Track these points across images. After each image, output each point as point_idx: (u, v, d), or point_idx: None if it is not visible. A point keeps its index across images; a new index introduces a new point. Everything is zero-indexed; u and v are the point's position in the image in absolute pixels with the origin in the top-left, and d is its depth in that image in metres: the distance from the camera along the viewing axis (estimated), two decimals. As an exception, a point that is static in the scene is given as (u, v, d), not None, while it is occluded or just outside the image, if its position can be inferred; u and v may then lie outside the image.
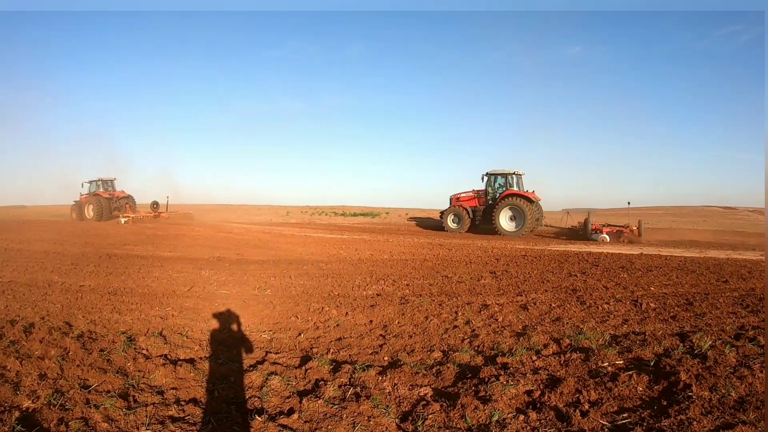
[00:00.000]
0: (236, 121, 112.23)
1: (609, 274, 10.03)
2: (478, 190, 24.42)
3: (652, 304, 7.00)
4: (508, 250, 15.24)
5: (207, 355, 5.21)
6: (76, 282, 9.30)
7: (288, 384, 4.40)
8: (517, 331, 5.91)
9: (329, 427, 3.60)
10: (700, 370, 4.14)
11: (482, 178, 23.79)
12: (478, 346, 5.38)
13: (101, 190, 31.25)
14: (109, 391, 4.13)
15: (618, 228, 19.86)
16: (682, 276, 9.73)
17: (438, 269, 11.06)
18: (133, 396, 4.07)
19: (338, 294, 8.36)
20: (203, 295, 8.16)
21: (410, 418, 3.68)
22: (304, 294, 8.37)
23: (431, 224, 26.64)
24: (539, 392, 3.99)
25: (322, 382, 4.39)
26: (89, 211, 30.58)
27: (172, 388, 4.29)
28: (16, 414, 3.57)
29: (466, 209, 24.01)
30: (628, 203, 21.44)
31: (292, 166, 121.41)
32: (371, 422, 3.65)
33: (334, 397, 4.08)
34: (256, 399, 4.10)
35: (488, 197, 23.76)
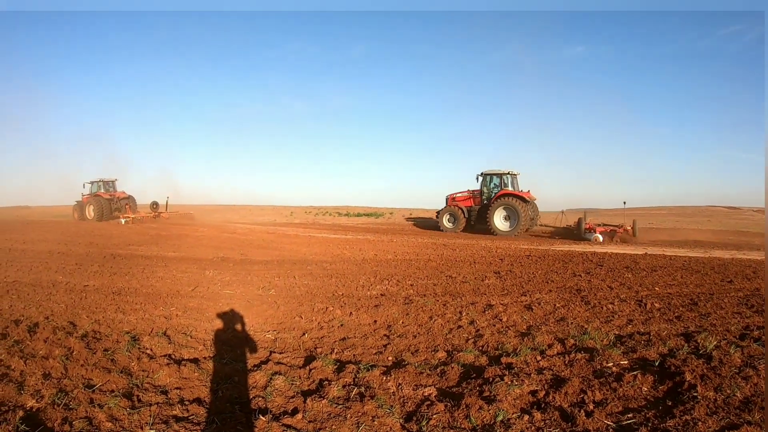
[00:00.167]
0: (239, 121, 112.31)
1: (613, 274, 10.00)
2: (473, 190, 24.53)
3: (656, 304, 6.98)
4: (512, 250, 15.22)
5: (211, 355, 5.21)
6: (81, 282, 9.32)
7: (292, 384, 4.40)
8: (521, 331, 5.89)
9: (333, 427, 3.59)
10: (705, 371, 4.12)
11: (477, 178, 23.85)
12: (483, 346, 5.37)
13: (102, 190, 31.47)
14: (113, 391, 4.14)
15: (612, 228, 19.83)
16: (686, 276, 9.69)
17: (442, 269, 11.05)
18: (137, 395, 4.08)
19: (342, 294, 8.36)
20: (207, 295, 8.17)
21: (414, 418, 3.68)
22: (308, 294, 8.37)
23: (430, 224, 26.64)
24: (544, 392, 3.98)
25: (327, 382, 4.39)
26: (90, 212, 30.86)
27: (176, 388, 4.29)
28: (21, 413, 3.58)
29: (461, 209, 24.11)
30: (624, 203, 21.53)
31: (295, 166, 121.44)
32: (375, 422, 3.65)
33: (339, 397, 4.07)
34: (260, 399, 4.10)
35: (484, 197, 23.86)
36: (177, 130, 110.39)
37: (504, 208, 22.23)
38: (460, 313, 6.80)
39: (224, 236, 19.80)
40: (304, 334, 6.13)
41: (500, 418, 3.57)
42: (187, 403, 4.00)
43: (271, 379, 4.48)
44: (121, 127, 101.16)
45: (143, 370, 4.64)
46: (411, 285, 9.09)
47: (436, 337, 5.82)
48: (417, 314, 6.79)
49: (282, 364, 4.97)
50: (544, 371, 4.46)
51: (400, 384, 4.30)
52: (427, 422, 3.58)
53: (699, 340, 5.01)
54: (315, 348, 5.56)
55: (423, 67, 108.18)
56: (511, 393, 3.94)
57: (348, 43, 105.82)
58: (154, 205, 30.95)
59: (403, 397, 4.08)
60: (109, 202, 30.76)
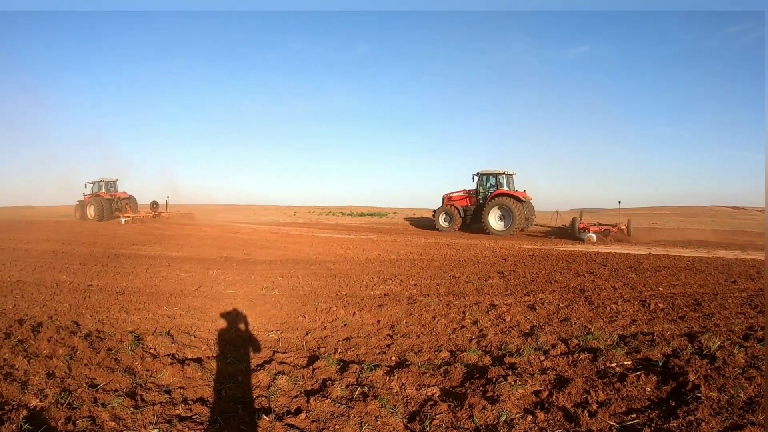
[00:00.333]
0: (242, 121, 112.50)
1: (617, 274, 9.98)
2: (469, 190, 24.66)
3: (660, 305, 6.96)
4: (515, 250, 15.20)
5: (214, 355, 5.22)
6: (84, 281, 9.35)
7: (295, 383, 4.40)
8: (524, 331, 5.89)
9: (337, 426, 3.60)
10: (708, 371, 4.11)
11: (473, 178, 24.06)
12: (486, 346, 5.37)
13: (103, 190, 31.71)
14: (116, 390, 4.15)
15: (605, 227, 19.81)
16: (690, 276, 9.66)
17: (445, 269, 11.04)
18: (141, 395, 4.08)
19: (346, 294, 8.36)
20: (211, 295, 8.18)
21: (418, 418, 3.68)
22: (312, 294, 8.37)
23: (429, 224, 26.70)
24: (547, 392, 3.97)
25: (330, 382, 4.39)
26: (90, 212, 31.11)
27: (180, 388, 4.30)
28: (24, 412, 3.59)
29: (457, 208, 24.24)
30: (619, 202, 21.57)
31: (298, 166, 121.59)
32: (379, 422, 3.65)
33: (342, 397, 4.08)
34: (263, 398, 4.11)
35: (479, 197, 23.97)
36: (179, 130, 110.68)
37: (499, 208, 22.33)
38: (464, 313, 6.79)
39: (228, 236, 19.83)
40: (307, 333, 6.13)
41: (503, 418, 3.56)
42: (190, 402, 4.01)
43: (274, 378, 4.49)
44: (123, 127, 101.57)
45: (147, 370, 4.65)
46: (414, 285, 9.09)
47: (440, 337, 5.81)
48: (420, 314, 6.79)
49: (285, 363, 4.98)
50: (548, 371, 4.45)
51: (403, 384, 4.30)
52: (430, 422, 3.58)
53: (703, 341, 5.00)
54: (318, 348, 5.56)
55: (426, 67, 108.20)
56: (515, 393, 3.93)
57: (351, 43, 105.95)
58: (154, 205, 31.29)
59: (407, 397, 4.08)
60: (109, 202, 30.99)
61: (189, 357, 5.11)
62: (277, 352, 5.40)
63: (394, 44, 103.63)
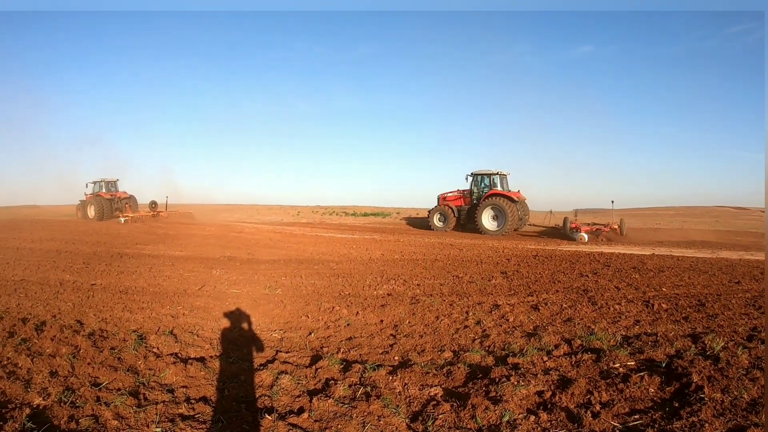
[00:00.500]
0: (244, 121, 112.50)
1: (620, 274, 9.95)
2: (463, 190, 24.89)
3: (663, 305, 6.94)
4: (519, 251, 15.17)
5: (217, 354, 5.23)
6: (88, 281, 9.38)
7: (298, 383, 4.41)
8: (528, 332, 5.88)
9: (339, 426, 3.60)
10: (712, 372, 4.10)
11: (466, 179, 24.23)
12: (489, 347, 5.36)
13: (104, 190, 32.02)
14: (119, 389, 4.16)
15: (597, 227, 19.82)
16: (694, 277, 9.63)
17: (449, 269, 11.03)
18: (144, 394, 4.10)
19: (349, 293, 8.36)
20: (214, 294, 8.19)
21: (420, 418, 3.68)
22: (315, 293, 8.38)
23: (425, 224, 26.77)
24: (550, 393, 3.97)
25: (333, 382, 4.39)
26: (91, 211, 31.43)
27: (183, 387, 4.31)
28: (27, 411, 3.61)
29: (451, 208, 24.50)
30: (612, 202, 21.73)
31: (302, 166, 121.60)
32: (381, 422, 3.65)
33: (345, 397, 4.08)
34: (266, 398, 4.11)
35: (473, 197, 24.16)
36: (181, 130, 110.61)
37: (492, 208, 22.52)
38: (467, 313, 6.79)
39: (231, 235, 19.85)
40: (310, 333, 6.14)
41: (506, 418, 3.56)
42: (193, 401, 4.02)
43: (277, 378, 4.49)
44: (125, 127, 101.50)
45: (150, 369, 4.66)
46: (417, 285, 9.09)
47: (443, 337, 5.81)
48: (423, 314, 6.79)
49: (288, 363, 4.98)
50: (551, 372, 4.44)
51: (406, 384, 4.29)
52: (433, 422, 3.58)
53: (706, 342, 4.98)
54: (321, 347, 5.57)
55: (428, 67, 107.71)
56: (518, 393, 3.93)
57: (353, 43, 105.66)
58: (153, 205, 31.61)
59: (409, 396, 4.08)
60: (110, 202, 31.29)
61: (192, 356, 5.12)
62: (280, 351, 5.41)
63: (396, 44, 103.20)
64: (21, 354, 4.80)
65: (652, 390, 3.96)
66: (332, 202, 57.05)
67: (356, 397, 4.06)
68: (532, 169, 76.81)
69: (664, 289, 8.36)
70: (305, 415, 3.76)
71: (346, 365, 4.80)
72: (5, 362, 4.63)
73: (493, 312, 6.80)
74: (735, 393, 3.69)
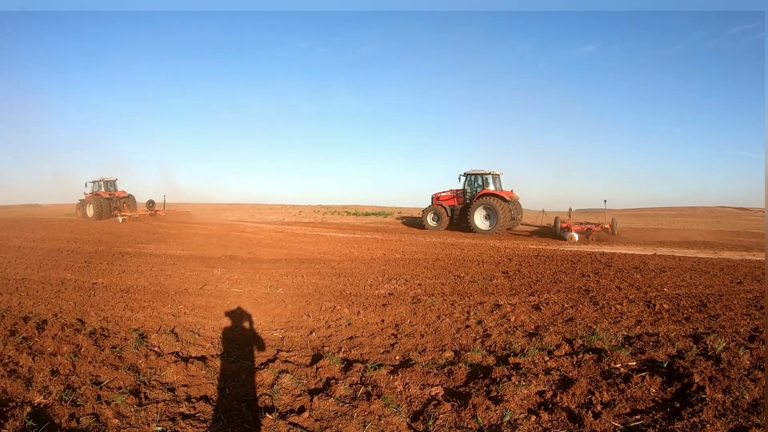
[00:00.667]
0: (246, 121, 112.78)
1: (622, 274, 9.94)
2: (456, 190, 25.19)
3: (665, 305, 6.92)
4: (520, 250, 15.16)
5: (218, 353, 5.23)
6: (89, 279, 9.39)
7: (299, 382, 4.41)
8: (529, 332, 5.87)
9: (340, 425, 3.59)
10: (713, 372, 4.09)
11: (459, 178, 24.50)
12: (490, 346, 5.36)
13: (103, 190, 32.35)
14: (120, 388, 4.16)
15: (588, 226, 19.86)
16: (695, 277, 9.61)
17: (450, 269, 11.03)
18: (145, 393, 4.10)
19: (350, 293, 8.36)
20: (215, 294, 8.20)
21: (421, 418, 3.67)
22: (316, 293, 8.38)
23: (420, 223, 26.88)
24: (551, 393, 3.96)
25: (334, 381, 4.39)
26: (89, 210, 31.78)
27: (184, 386, 4.31)
28: (28, 409, 3.61)
29: (445, 208, 24.85)
30: (605, 201, 22.08)
31: (303, 165, 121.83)
32: (382, 421, 3.65)
33: (345, 396, 4.08)
34: (267, 397, 4.11)
35: (466, 196, 24.42)
36: (184, 129, 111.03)
37: (484, 207, 22.78)
38: (468, 312, 6.78)
39: (233, 235, 19.87)
40: (311, 332, 6.13)
41: (507, 418, 3.55)
42: (194, 400, 4.02)
43: (278, 377, 4.49)
44: (127, 127, 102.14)
45: (151, 368, 4.66)
46: (419, 284, 9.08)
47: (444, 337, 5.81)
48: (425, 314, 6.78)
49: (289, 362, 4.98)
50: (552, 372, 4.44)
51: (407, 383, 4.29)
52: (434, 422, 3.57)
53: (708, 342, 4.97)
54: (322, 347, 5.56)
55: (430, 67, 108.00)
56: (519, 393, 3.92)
57: (355, 43, 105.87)
58: (150, 204, 31.97)
59: (410, 396, 4.07)
60: (108, 201, 31.60)
61: (193, 355, 5.12)
62: (281, 350, 5.40)
63: (398, 44, 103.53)
64: (22, 352, 4.81)
65: (654, 390, 3.95)
66: (334, 202, 57.23)
67: (357, 397, 4.05)
68: (533, 169, 76.93)
69: (665, 290, 8.35)
70: (306, 414, 3.76)
71: (347, 364, 4.80)
72: (6, 361, 4.64)
73: (494, 312, 6.79)
74: (736, 394, 3.68)
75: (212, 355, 5.13)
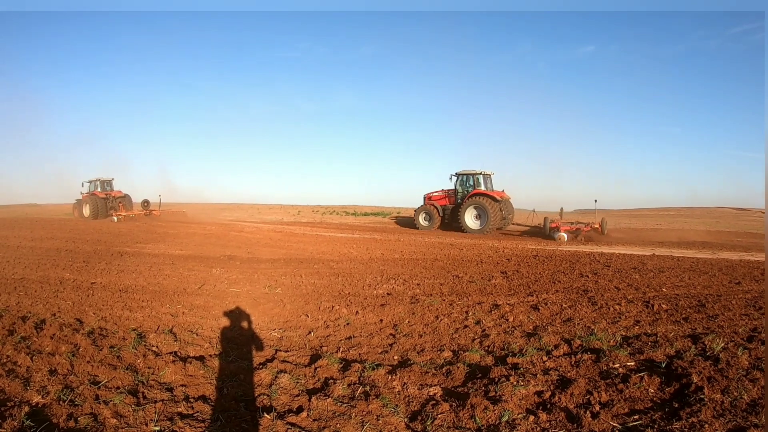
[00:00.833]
0: (246, 120, 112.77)
1: (620, 275, 9.94)
2: (448, 190, 25.39)
3: (664, 306, 6.92)
4: (519, 250, 15.17)
5: (217, 353, 5.22)
6: (88, 279, 9.38)
7: (297, 382, 4.40)
8: (527, 332, 5.87)
9: (338, 425, 3.59)
10: (712, 373, 4.09)
11: (450, 178, 24.71)
12: (489, 346, 5.36)
13: (99, 189, 32.66)
14: (118, 388, 4.16)
15: (577, 226, 19.90)
16: (694, 277, 9.61)
17: (449, 269, 11.03)
18: (143, 392, 4.09)
19: (349, 293, 8.36)
20: (214, 293, 8.19)
21: (419, 418, 3.67)
22: (315, 293, 8.37)
23: (412, 223, 26.97)
24: (549, 393, 3.96)
25: (332, 381, 4.39)
26: (86, 210, 32.05)
27: (182, 385, 4.30)
28: (26, 409, 3.60)
29: (436, 208, 25.05)
30: (595, 201, 22.41)
31: (303, 165, 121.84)
32: (380, 421, 3.64)
33: (344, 396, 4.07)
34: (265, 397, 4.11)
35: (458, 196, 24.61)
36: (184, 129, 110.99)
37: (474, 207, 22.99)
38: (467, 312, 6.78)
39: (232, 234, 19.87)
40: (310, 332, 6.13)
41: (505, 418, 3.55)
42: (192, 400, 4.01)
43: (276, 377, 4.49)
44: (127, 127, 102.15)
45: (149, 367, 4.65)
46: (417, 284, 9.08)
47: (442, 337, 5.80)
48: (423, 314, 6.78)
49: (287, 362, 4.98)
50: (550, 372, 4.44)
51: (405, 383, 4.29)
52: (432, 422, 3.57)
53: (706, 342, 4.97)
54: (321, 346, 5.56)
55: (430, 67, 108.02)
56: (517, 393, 3.92)
57: (355, 43, 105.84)
58: (145, 203, 32.46)
59: (408, 396, 4.07)
60: (104, 201, 31.87)
61: (191, 355, 5.12)
62: (280, 350, 5.40)
63: (398, 44, 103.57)
64: (20, 352, 4.80)
65: (652, 390, 3.95)
66: (333, 202, 57.24)
67: (355, 397, 4.05)
68: (533, 169, 77.03)
69: (664, 290, 8.35)
70: (304, 414, 3.75)
71: (346, 364, 4.79)
72: (5, 360, 4.62)
73: (492, 312, 6.79)
74: (735, 394, 3.68)
75: (210, 355, 5.13)
